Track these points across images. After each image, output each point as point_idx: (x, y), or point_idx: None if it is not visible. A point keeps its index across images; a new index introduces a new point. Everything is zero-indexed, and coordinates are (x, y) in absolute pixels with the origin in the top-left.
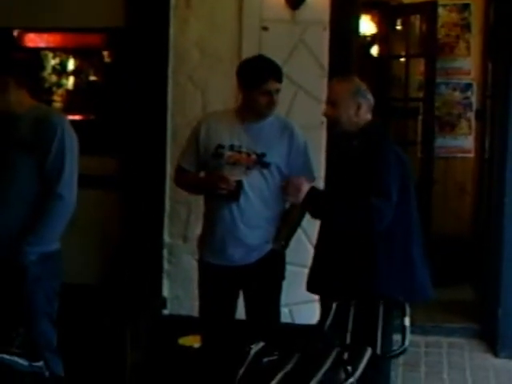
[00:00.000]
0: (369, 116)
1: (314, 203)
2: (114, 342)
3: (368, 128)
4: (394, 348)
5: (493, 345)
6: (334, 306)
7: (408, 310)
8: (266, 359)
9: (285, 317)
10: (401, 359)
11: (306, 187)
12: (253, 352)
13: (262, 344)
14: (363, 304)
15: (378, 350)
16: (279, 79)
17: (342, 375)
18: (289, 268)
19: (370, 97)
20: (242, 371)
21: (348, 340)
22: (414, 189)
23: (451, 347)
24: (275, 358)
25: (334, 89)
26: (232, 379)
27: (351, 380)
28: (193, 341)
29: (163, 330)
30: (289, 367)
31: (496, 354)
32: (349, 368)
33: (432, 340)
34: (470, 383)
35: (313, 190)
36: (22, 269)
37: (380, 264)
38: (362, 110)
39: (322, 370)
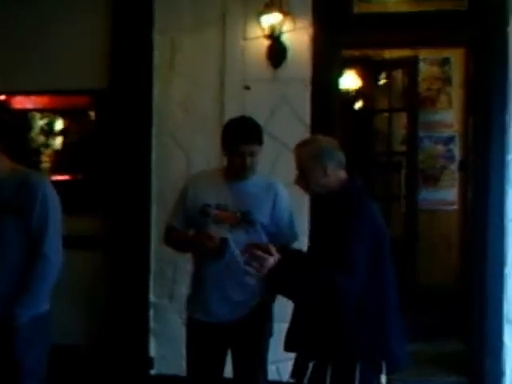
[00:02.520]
0: (341, 174)
1: (277, 280)
2: None
3: (341, 189)
4: None
5: None
6: (311, 365)
7: (384, 368)
8: None
9: (272, 374)
10: None
11: (270, 261)
12: None
13: None
14: (340, 363)
15: None
16: (252, 142)
17: None
18: (276, 325)
19: (337, 154)
20: None
21: None
22: (388, 252)
23: None
24: None
25: (298, 156)
26: None
27: None
28: None
29: None
30: None
31: None
32: None
33: None
34: None
35: (277, 265)
36: (13, 331)
37: (351, 336)
38: (329, 171)
39: None
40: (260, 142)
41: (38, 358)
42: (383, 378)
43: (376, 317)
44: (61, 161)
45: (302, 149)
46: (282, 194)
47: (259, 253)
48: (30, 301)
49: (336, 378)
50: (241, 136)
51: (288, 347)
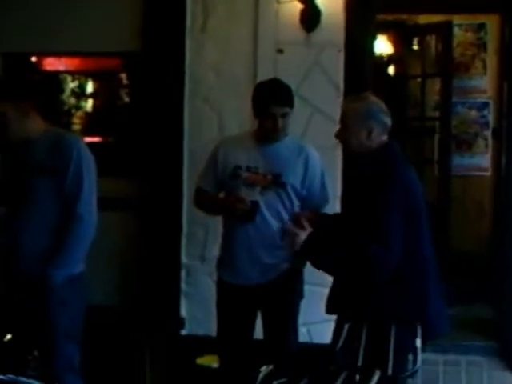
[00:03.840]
0: (384, 138)
1: (311, 253)
2: (133, 363)
3: (379, 152)
4: (406, 369)
5: (511, 363)
6: (346, 327)
7: (420, 331)
8: (275, 382)
9: (303, 336)
10: (419, 378)
11: (302, 236)
12: (261, 375)
13: (271, 367)
14: (375, 325)
15: (390, 371)
16: (284, 103)
17: None
18: (307, 287)
19: (385, 119)
20: None
21: (360, 362)
22: (426, 217)
23: (470, 365)
24: (285, 381)
25: (345, 110)
26: None
27: None
28: (211, 361)
29: (181, 350)
30: None
31: None
32: None
33: (451, 358)
34: None
35: (310, 239)
36: (48, 292)
37: (390, 300)
38: (373, 134)
39: None
40: (291, 104)
41: (73, 319)
42: (418, 342)
43: (416, 282)
44: (92, 123)
45: (351, 104)
46: (314, 157)
47: (291, 228)
48: (65, 261)
49: (371, 339)
50: (272, 98)
51: (328, 309)
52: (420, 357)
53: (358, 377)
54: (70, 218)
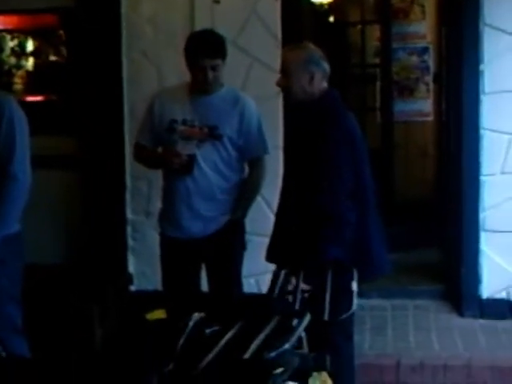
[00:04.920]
0: (324, 84)
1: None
2: (81, 320)
3: (321, 98)
4: (343, 312)
5: (457, 305)
6: (283, 273)
7: (356, 274)
8: (208, 330)
9: (251, 287)
10: (367, 323)
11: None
12: (192, 323)
13: (202, 314)
14: (311, 270)
15: (326, 316)
16: (214, 55)
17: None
18: (252, 238)
19: (324, 65)
20: (181, 342)
21: (297, 307)
22: (367, 162)
23: (417, 309)
24: (217, 328)
25: (285, 57)
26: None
27: (286, 346)
28: (160, 315)
29: (131, 305)
30: (230, 335)
31: (461, 314)
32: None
33: (398, 303)
34: (436, 344)
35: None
36: None
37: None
38: (315, 79)
39: (261, 337)
40: (222, 55)
41: (12, 279)
42: (354, 285)
43: (357, 223)
44: (34, 82)
45: (291, 52)
46: (250, 107)
47: None
48: (1, 222)
49: (307, 284)
50: (201, 50)
51: (268, 257)
52: (356, 300)
53: (296, 321)
54: (4, 178)
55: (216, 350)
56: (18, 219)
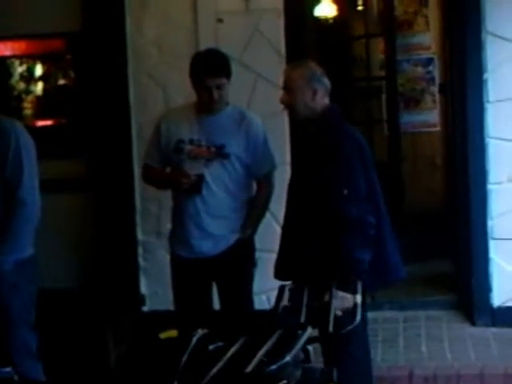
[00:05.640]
0: (326, 101)
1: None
2: (96, 343)
3: (325, 114)
4: (347, 325)
5: (469, 314)
6: (287, 288)
7: (360, 287)
8: (212, 346)
9: (263, 304)
10: (380, 335)
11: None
12: (195, 339)
13: (204, 331)
14: (315, 284)
15: (330, 328)
16: (218, 74)
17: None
18: (262, 255)
19: (325, 81)
20: (184, 358)
21: (302, 320)
22: (376, 173)
23: (429, 320)
24: (221, 344)
25: (288, 75)
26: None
27: (287, 358)
28: (173, 335)
29: (144, 326)
30: (233, 350)
31: (473, 323)
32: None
33: (410, 315)
34: (448, 354)
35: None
36: None
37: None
38: (318, 96)
39: (263, 350)
40: (227, 74)
41: (25, 304)
42: (358, 298)
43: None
44: (43, 106)
45: (294, 70)
46: (256, 123)
47: None
48: (12, 246)
49: (311, 298)
50: (206, 69)
51: (277, 275)
52: (359, 312)
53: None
54: (13, 203)
55: (219, 364)
56: (31, 243)
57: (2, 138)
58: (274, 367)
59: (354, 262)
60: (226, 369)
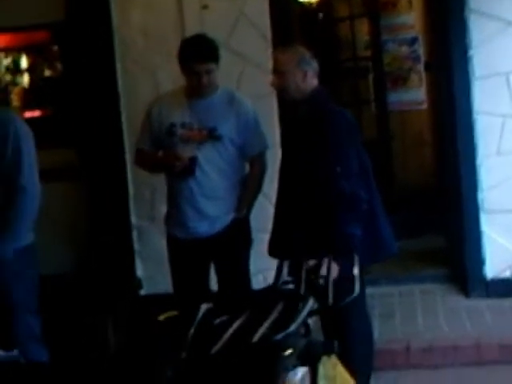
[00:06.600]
0: (315, 81)
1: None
2: (95, 329)
3: (314, 95)
4: (346, 297)
5: (463, 287)
6: (286, 263)
7: (357, 259)
8: (217, 320)
9: (259, 283)
10: (376, 310)
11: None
12: (201, 313)
13: (209, 305)
14: (314, 258)
15: (330, 300)
16: (206, 60)
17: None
18: (256, 235)
19: (314, 63)
20: (192, 332)
21: (302, 292)
22: (365, 152)
23: (424, 294)
24: (226, 318)
25: (279, 59)
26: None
27: (292, 327)
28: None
29: (142, 309)
30: (238, 323)
31: (467, 296)
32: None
33: (405, 289)
34: (444, 326)
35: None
36: (1, 266)
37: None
38: (308, 77)
39: (268, 321)
40: (215, 58)
41: (28, 290)
42: (356, 270)
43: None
44: (30, 98)
45: (284, 54)
46: (245, 104)
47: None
48: (13, 235)
49: (310, 271)
50: (194, 55)
51: (271, 252)
52: (358, 284)
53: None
54: (13, 192)
55: (225, 336)
56: (31, 230)
57: (1, 127)
58: (279, 336)
59: (347, 237)
60: (233, 340)
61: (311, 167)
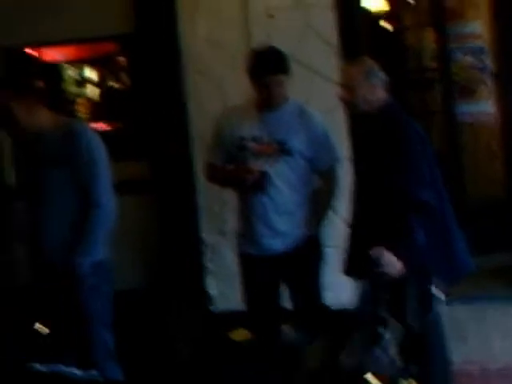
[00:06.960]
0: (383, 93)
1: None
2: (166, 344)
3: (386, 107)
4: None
5: None
6: (366, 283)
7: (434, 279)
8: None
9: (329, 300)
10: (445, 328)
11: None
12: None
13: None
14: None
15: (409, 320)
16: (277, 71)
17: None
18: (325, 250)
19: (383, 75)
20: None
21: (382, 314)
22: (436, 164)
23: (496, 312)
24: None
25: (347, 72)
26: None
27: (376, 352)
28: (243, 334)
29: (213, 326)
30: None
31: None
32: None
33: (476, 307)
34: None
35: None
36: (77, 280)
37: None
38: (376, 90)
39: (350, 345)
40: (285, 70)
41: (104, 304)
42: (434, 289)
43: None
44: (96, 109)
45: (352, 67)
46: (316, 118)
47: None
48: (90, 248)
49: (389, 292)
50: (264, 67)
51: (346, 271)
52: (436, 303)
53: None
54: (89, 206)
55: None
56: (106, 244)
57: (75, 142)
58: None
59: (413, 241)
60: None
61: (391, 178)
